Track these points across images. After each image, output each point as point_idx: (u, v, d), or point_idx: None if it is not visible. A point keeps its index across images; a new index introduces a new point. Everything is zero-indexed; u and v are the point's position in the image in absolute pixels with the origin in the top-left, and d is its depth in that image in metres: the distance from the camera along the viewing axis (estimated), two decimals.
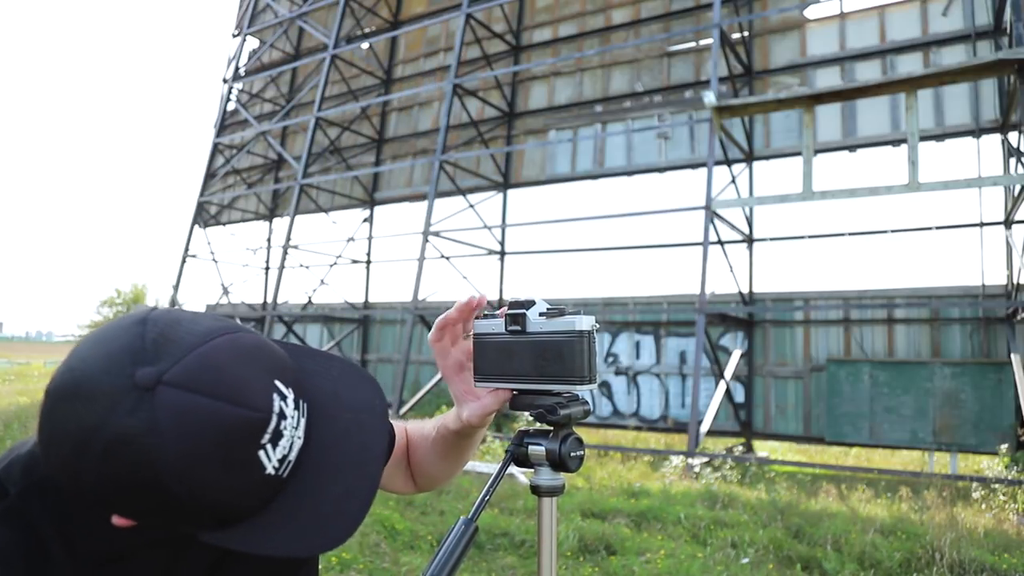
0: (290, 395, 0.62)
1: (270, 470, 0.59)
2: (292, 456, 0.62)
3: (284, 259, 14.91)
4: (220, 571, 0.77)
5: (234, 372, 0.58)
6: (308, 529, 0.62)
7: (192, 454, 0.54)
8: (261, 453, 0.58)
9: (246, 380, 0.58)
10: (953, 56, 10.52)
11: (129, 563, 0.70)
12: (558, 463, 0.78)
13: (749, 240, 11.80)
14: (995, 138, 10.39)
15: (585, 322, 0.74)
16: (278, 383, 0.61)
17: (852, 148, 11.39)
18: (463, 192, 14.13)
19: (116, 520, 0.60)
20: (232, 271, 20.67)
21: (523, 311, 0.77)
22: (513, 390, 0.81)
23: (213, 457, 0.55)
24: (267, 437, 0.58)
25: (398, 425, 1.02)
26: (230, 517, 0.59)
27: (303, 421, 0.64)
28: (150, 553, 0.71)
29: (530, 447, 0.79)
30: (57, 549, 0.66)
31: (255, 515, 0.61)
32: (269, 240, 18.53)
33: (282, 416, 0.60)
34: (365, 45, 17.01)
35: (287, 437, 0.61)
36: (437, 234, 12.94)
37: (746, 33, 12.41)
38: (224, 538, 0.60)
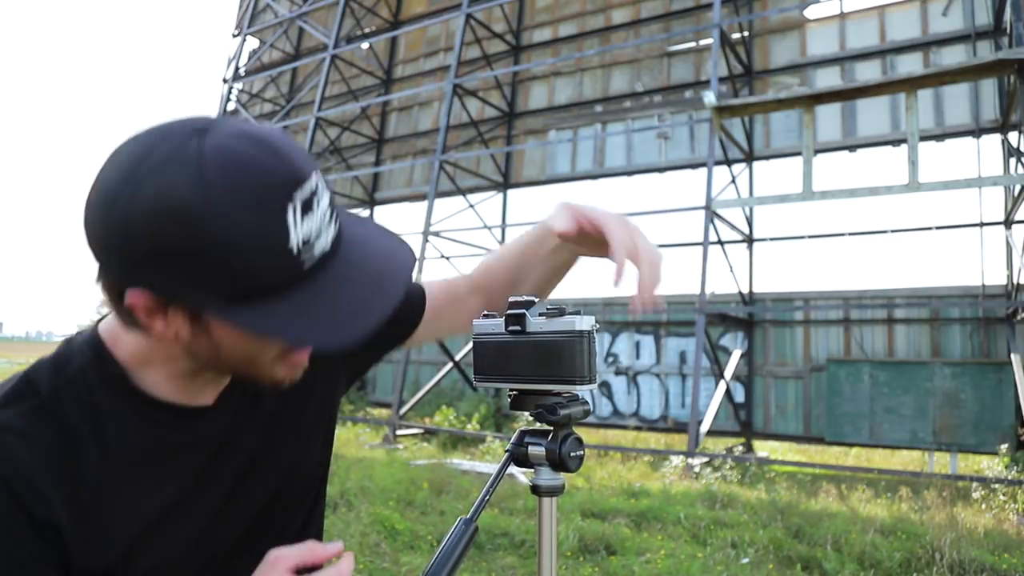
0: (326, 195, 0.63)
1: (293, 243, 0.59)
2: (316, 246, 0.61)
3: None
4: (251, 474, 0.79)
5: (284, 142, 0.61)
6: (320, 325, 0.61)
7: (225, 186, 0.56)
8: (289, 212, 0.58)
9: (293, 151, 0.61)
10: (953, 56, 10.51)
11: (161, 464, 0.71)
12: (558, 463, 0.78)
13: (749, 240, 11.80)
14: (995, 138, 10.38)
15: (585, 322, 0.74)
16: (320, 175, 0.64)
17: (852, 148, 11.38)
18: (463, 192, 14.12)
19: (130, 297, 0.60)
20: None
21: (523, 311, 0.77)
22: (513, 390, 0.81)
23: (244, 195, 0.56)
24: (300, 197, 0.59)
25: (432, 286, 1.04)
26: (244, 285, 0.58)
27: (332, 228, 0.64)
28: (183, 454, 0.72)
29: (530, 447, 0.79)
30: (90, 447, 0.66)
31: (268, 298, 0.60)
32: None
33: (316, 193, 0.61)
34: (365, 45, 17.00)
35: (316, 219, 0.61)
36: (437, 234, 12.93)
37: (746, 33, 12.40)
38: (233, 315, 0.60)
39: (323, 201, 0.63)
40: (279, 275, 0.59)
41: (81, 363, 0.69)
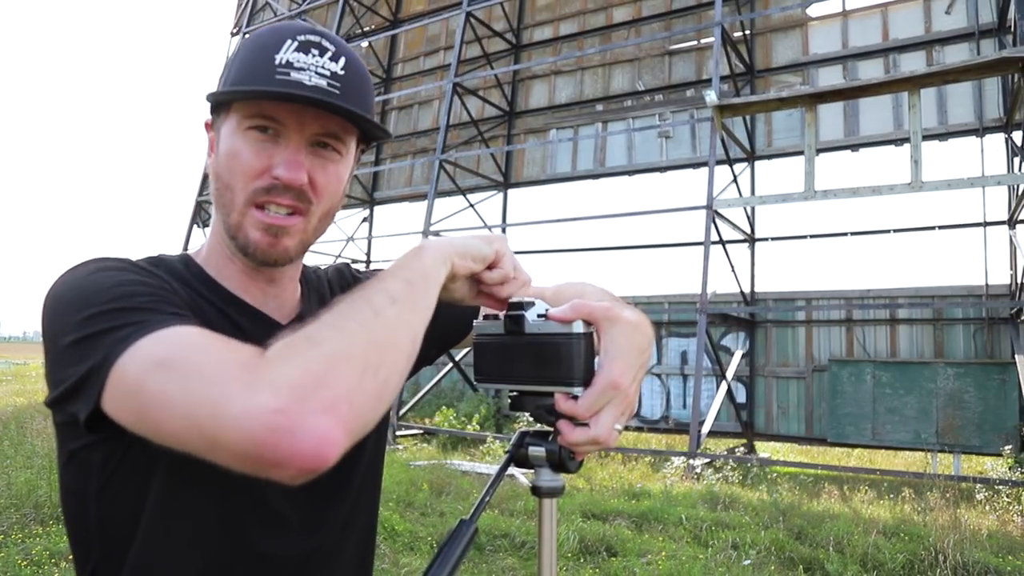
0: (336, 64, 0.78)
1: (279, 58, 0.76)
2: (297, 74, 0.75)
3: None
4: None
5: (322, 29, 0.82)
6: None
7: (264, 27, 0.81)
8: (288, 42, 0.77)
9: (326, 32, 0.81)
10: (956, 54, 10.47)
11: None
12: (558, 464, 0.76)
13: (751, 240, 11.76)
14: (999, 137, 10.35)
15: (582, 323, 0.73)
16: (349, 59, 0.82)
17: (855, 147, 11.34)
18: (463, 191, 14.09)
19: (206, 127, 0.84)
20: None
21: (521, 312, 0.76)
22: (512, 391, 0.79)
23: (269, 28, 0.80)
24: (302, 38, 0.77)
25: None
26: (241, 73, 0.78)
27: (325, 82, 0.77)
28: None
29: (530, 448, 0.77)
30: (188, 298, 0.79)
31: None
32: None
33: (321, 47, 0.78)
34: (365, 44, 16.97)
35: (309, 59, 0.77)
36: (437, 234, 12.89)
37: (748, 32, 12.37)
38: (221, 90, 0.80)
39: (328, 60, 0.77)
40: (260, 73, 0.75)
41: (171, 259, 0.85)
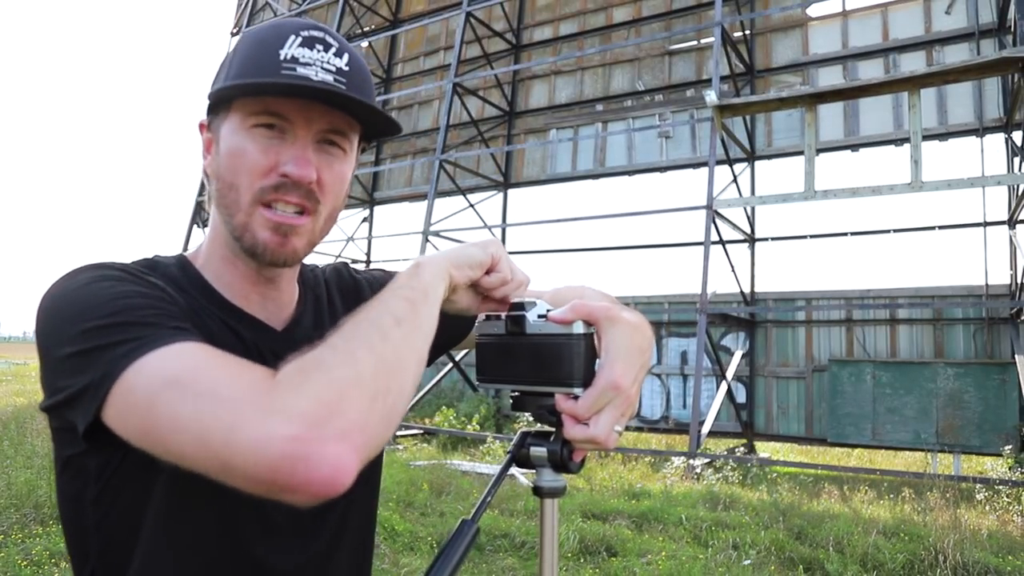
0: (340, 59, 0.77)
1: (284, 54, 0.74)
2: (304, 69, 0.74)
3: None
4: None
5: (324, 26, 0.80)
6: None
7: (263, 23, 0.82)
8: (291, 37, 0.75)
9: (327, 28, 0.80)
10: (956, 54, 10.47)
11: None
12: (559, 465, 0.76)
13: (751, 240, 11.76)
14: (999, 137, 10.36)
15: (582, 324, 0.73)
16: (350, 54, 0.80)
17: (855, 147, 11.34)
18: (463, 191, 14.09)
19: (200, 128, 0.82)
20: None
21: (522, 312, 0.76)
22: (514, 391, 0.79)
23: (269, 24, 0.78)
24: (305, 33, 0.76)
25: None
26: (243, 67, 0.76)
27: (331, 77, 0.76)
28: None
29: (531, 448, 0.77)
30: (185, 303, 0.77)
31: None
32: None
33: (325, 43, 0.76)
34: (365, 44, 16.97)
35: (314, 54, 0.75)
36: (437, 234, 12.89)
37: (748, 32, 12.37)
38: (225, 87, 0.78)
39: (333, 56, 0.76)
40: (264, 68, 0.73)
41: (167, 264, 0.83)
